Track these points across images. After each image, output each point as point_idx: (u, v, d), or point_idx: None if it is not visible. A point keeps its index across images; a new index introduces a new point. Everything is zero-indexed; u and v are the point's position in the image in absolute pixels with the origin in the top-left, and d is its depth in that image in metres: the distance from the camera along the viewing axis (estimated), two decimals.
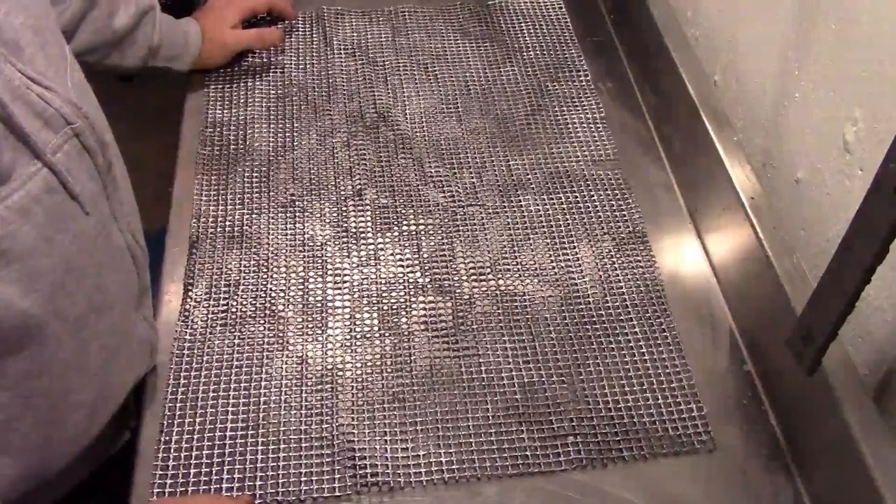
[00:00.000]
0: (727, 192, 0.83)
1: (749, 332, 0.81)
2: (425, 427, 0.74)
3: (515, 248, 0.87)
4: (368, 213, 0.90)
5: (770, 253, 0.76)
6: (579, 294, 0.84)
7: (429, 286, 0.84)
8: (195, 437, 0.73)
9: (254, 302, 0.82)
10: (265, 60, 1.05)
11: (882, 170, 0.51)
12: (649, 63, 1.03)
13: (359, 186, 0.93)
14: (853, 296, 0.55)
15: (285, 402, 0.75)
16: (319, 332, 0.81)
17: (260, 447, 0.73)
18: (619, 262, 0.86)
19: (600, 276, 0.85)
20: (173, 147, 0.97)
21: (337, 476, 0.71)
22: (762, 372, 0.79)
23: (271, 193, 0.91)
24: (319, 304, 0.82)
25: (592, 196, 0.92)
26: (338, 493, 0.70)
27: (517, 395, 0.76)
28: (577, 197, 0.92)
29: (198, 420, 0.74)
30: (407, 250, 0.87)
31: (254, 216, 0.89)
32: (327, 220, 0.89)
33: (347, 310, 0.82)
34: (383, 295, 0.83)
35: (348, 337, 0.80)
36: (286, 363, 0.78)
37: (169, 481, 0.70)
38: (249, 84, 1.03)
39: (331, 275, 0.85)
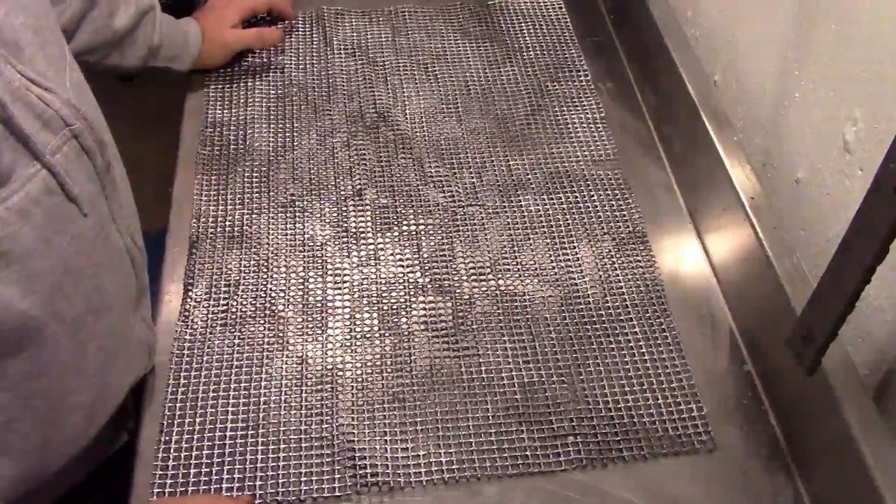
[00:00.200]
0: (727, 192, 0.83)
1: (749, 332, 0.81)
2: (425, 427, 0.74)
3: (515, 248, 0.87)
4: (368, 213, 0.90)
5: (770, 253, 0.76)
6: (579, 294, 0.84)
7: (429, 286, 0.84)
8: (195, 437, 0.73)
9: (254, 302, 0.82)
10: (265, 60, 1.05)
11: (882, 170, 0.51)
12: (649, 63, 1.03)
13: (359, 186, 0.93)
14: (853, 296, 0.55)
15: (285, 402, 0.75)
16: (319, 332, 0.81)
17: (260, 447, 0.73)
18: (619, 262, 0.86)
19: (600, 276, 0.85)
20: (173, 147, 0.97)
21: (337, 476, 0.71)
22: (762, 372, 0.79)
23: (271, 193, 0.91)
24: (319, 304, 0.82)
25: (592, 196, 0.92)
26: (338, 493, 0.70)
27: (517, 395, 0.76)
28: (577, 197, 0.92)
29: (198, 420, 0.74)
30: (407, 250, 0.87)
31: (254, 216, 0.89)
32: (327, 220, 0.89)
33: (347, 310, 0.82)
34: (383, 295, 0.83)
35: (348, 337, 0.80)
36: (286, 363, 0.78)
37: (169, 481, 0.70)
38: (249, 84, 1.03)
39: (331, 275, 0.85)
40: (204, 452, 0.72)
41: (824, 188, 0.77)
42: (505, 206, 0.91)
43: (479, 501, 0.70)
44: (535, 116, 1.00)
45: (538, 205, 0.91)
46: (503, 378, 0.77)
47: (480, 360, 0.79)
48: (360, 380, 0.77)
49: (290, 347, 0.79)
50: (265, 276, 0.84)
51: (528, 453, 0.73)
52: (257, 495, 0.70)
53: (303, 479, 0.71)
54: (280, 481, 0.71)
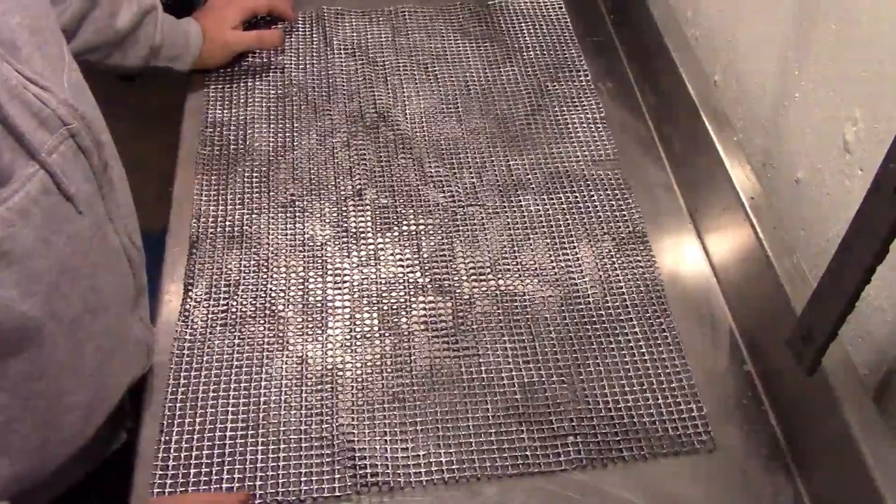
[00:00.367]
0: (727, 192, 0.83)
1: (749, 332, 0.81)
2: (425, 427, 0.74)
3: (515, 248, 0.87)
4: (368, 213, 0.90)
5: (770, 253, 0.76)
6: (579, 294, 0.84)
7: (429, 286, 0.84)
8: (195, 437, 0.73)
9: (254, 302, 0.82)
10: (265, 60, 1.05)
11: (882, 170, 0.51)
12: (649, 63, 1.03)
13: (359, 186, 0.93)
14: (853, 296, 0.55)
15: (285, 402, 0.75)
16: (319, 332, 0.81)
17: (260, 447, 0.73)
18: (619, 262, 0.86)
19: (600, 276, 0.85)
20: (173, 147, 0.97)
21: (337, 476, 0.71)
22: (762, 372, 0.79)
23: (271, 193, 0.91)
24: (319, 304, 0.82)
25: (592, 196, 0.92)
26: (338, 493, 0.70)
27: (517, 395, 0.76)
28: (577, 197, 0.92)
29: (198, 420, 0.74)
30: (407, 250, 0.87)
31: (254, 216, 0.89)
32: (327, 220, 0.89)
33: (347, 310, 0.82)
34: (383, 295, 0.83)
35: (348, 337, 0.80)
36: (286, 363, 0.78)
37: (169, 481, 0.70)
38: (249, 84, 1.03)
39: (331, 275, 0.85)
40: (204, 452, 0.72)
41: (824, 188, 0.77)
42: (505, 206, 0.91)
43: (479, 501, 0.70)
44: (535, 116, 1.00)
45: (538, 205, 0.91)
46: (503, 378, 0.77)
47: (480, 360, 0.79)
48: (360, 380, 0.77)
49: (290, 347, 0.79)
50: (265, 276, 0.84)
51: (528, 453, 0.73)
52: (257, 495, 0.70)
53: (303, 479, 0.71)
54: (280, 481, 0.71)
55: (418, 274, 0.85)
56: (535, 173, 0.94)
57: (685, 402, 0.76)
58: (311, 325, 0.81)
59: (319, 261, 0.86)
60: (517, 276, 0.85)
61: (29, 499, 0.65)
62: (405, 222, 0.90)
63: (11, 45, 0.55)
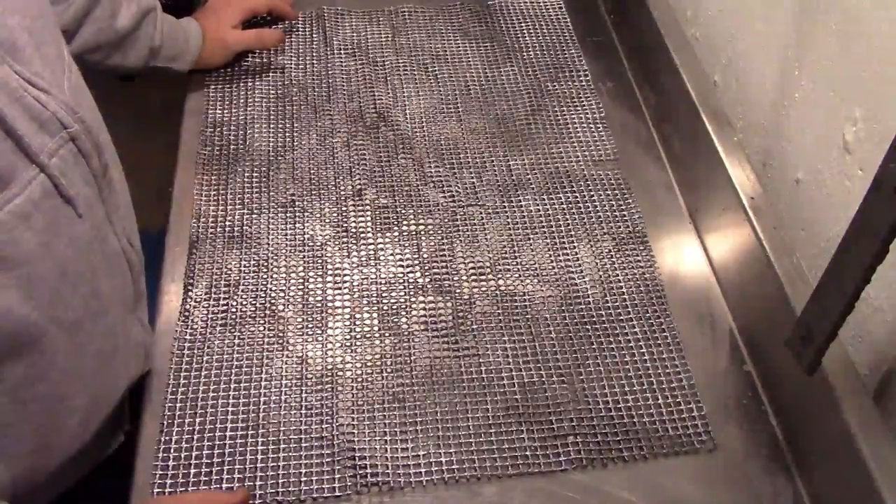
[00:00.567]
0: (727, 192, 0.83)
1: (749, 332, 0.81)
2: (425, 427, 0.74)
3: (515, 248, 0.87)
4: (368, 213, 0.90)
5: (770, 253, 0.76)
6: (579, 294, 0.84)
7: (429, 286, 0.84)
8: (195, 437, 0.73)
9: (254, 302, 0.82)
10: (265, 60, 1.05)
11: (882, 170, 0.51)
12: (649, 63, 1.03)
13: (359, 186, 0.93)
14: (853, 296, 0.55)
15: (285, 402, 0.75)
16: (319, 332, 0.81)
17: (260, 447, 0.73)
18: (619, 262, 0.86)
19: (600, 276, 0.85)
20: (173, 147, 0.97)
21: (337, 476, 0.71)
22: (762, 372, 0.79)
23: (271, 193, 0.91)
24: (319, 304, 0.82)
25: (592, 196, 0.92)
26: (338, 493, 0.70)
27: (517, 395, 0.76)
28: (577, 197, 0.92)
29: (197, 420, 0.74)
30: (407, 250, 0.87)
31: (254, 216, 0.89)
32: (327, 220, 0.89)
33: (347, 310, 0.82)
34: (383, 295, 0.83)
35: (348, 337, 0.80)
36: (286, 363, 0.78)
37: (169, 481, 0.70)
38: (249, 84, 1.03)
39: (331, 275, 0.85)
40: (204, 452, 0.72)
41: (824, 188, 0.77)
42: (505, 206, 0.91)
43: (479, 501, 0.70)
44: (535, 116, 1.00)
45: (538, 205, 0.91)
46: (503, 378, 0.77)
47: (480, 360, 0.79)
48: (360, 380, 0.77)
49: (290, 347, 0.79)
50: (265, 276, 0.84)
51: (528, 453, 0.73)
52: (257, 495, 0.70)
53: (303, 479, 0.71)
54: (280, 481, 0.71)
55: (418, 274, 0.85)
56: (535, 173, 0.94)
57: (685, 402, 0.76)
58: (311, 325, 0.81)
59: (319, 261, 0.86)
60: (517, 276, 0.85)
61: (28, 499, 0.65)
62: (405, 222, 0.90)
63: (11, 45, 0.55)
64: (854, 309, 0.56)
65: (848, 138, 0.72)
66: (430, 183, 0.93)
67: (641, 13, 1.03)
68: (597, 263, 0.86)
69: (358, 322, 0.81)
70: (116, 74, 0.97)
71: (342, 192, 0.92)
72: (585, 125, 1.00)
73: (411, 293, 0.84)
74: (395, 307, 0.82)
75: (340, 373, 0.78)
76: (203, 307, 0.82)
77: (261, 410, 0.75)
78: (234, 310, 0.81)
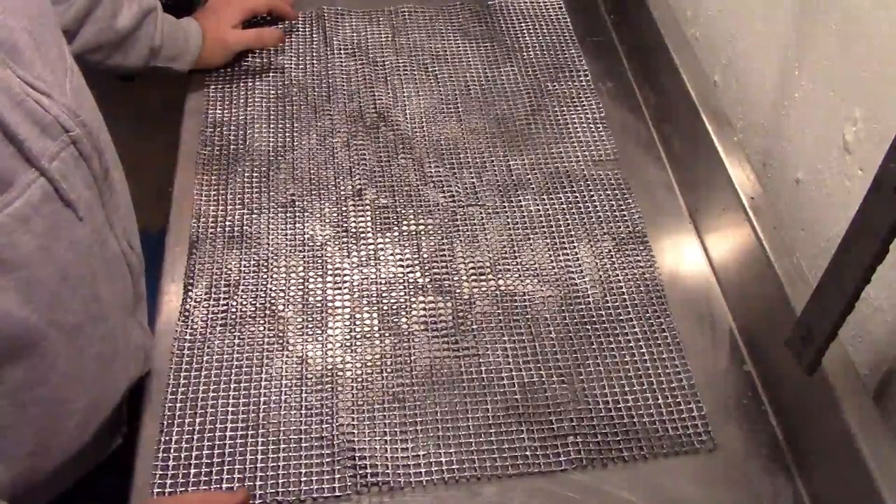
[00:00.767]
0: (727, 192, 0.83)
1: (749, 332, 0.81)
2: (425, 427, 0.74)
3: (515, 248, 0.87)
4: (368, 213, 0.90)
5: (770, 253, 0.76)
6: (579, 294, 0.84)
7: (429, 286, 0.84)
8: (195, 437, 0.73)
9: (254, 302, 0.82)
10: (265, 60, 1.05)
11: (882, 170, 0.51)
12: (649, 63, 1.03)
13: (359, 186, 0.93)
14: (853, 296, 0.55)
15: (285, 402, 0.75)
16: (319, 332, 0.81)
17: (260, 447, 0.73)
18: (619, 262, 0.86)
19: (600, 276, 0.85)
20: (173, 147, 0.97)
21: (337, 476, 0.71)
22: (762, 372, 0.79)
23: (271, 193, 0.91)
24: (319, 304, 0.82)
25: (592, 196, 0.92)
26: (338, 493, 0.70)
27: (517, 395, 0.76)
28: (577, 197, 0.92)
29: (197, 420, 0.74)
30: (407, 250, 0.87)
31: (254, 216, 0.89)
32: (327, 220, 0.89)
33: (347, 310, 0.82)
34: (383, 295, 0.83)
35: (348, 337, 0.80)
36: (286, 363, 0.78)
37: (169, 481, 0.70)
38: (249, 84, 1.03)
39: (331, 275, 0.85)
40: (204, 452, 0.72)
41: (824, 188, 0.77)
42: (505, 206, 0.91)
43: (479, 501, 0.70)
44: (535, 116, 1.00)
45: (538, 205, 0.91)
46: (503, 378, 0.77)
47: (480, 360, 0.79)
48: (360, 380, 0.77)
49: (290, 347, 0.79)
50: (265, 276, 0.84)
51: (528, 453, 0.73)
52: (257, 495, 0.70)
53: (303, 479, 0.71)
54: (280, 481, 0.71)
55: (418, 274, 0.85)
56: (535, 173, 0.94)
57: (685, 402, 0.76)
58: (311, 325, 0.81)
59: (319, 261, 0.86)
60: (517, 276, 0.85)
61: (27, 499, 0.65)
62: (405, 222, 0.90)
63: (13, 48, 0.55)
64: (854, 309, 0.56)
65: (848, 138, 0.72)
66: (430, 183, 0.93)
67: (641, 13, 1.03)
68: (597, 263, 0.86)
69: (358, 322, 0.81)
70: (117, 74, 0.97)
71: (342, 192, 0.92)
72: (585, 125, 1.00)
73: (411, 293, 0.84)
74: (395, 307, 0.82)
75: (340, 373, 0.78)
76: (203, 307, 0.82)
77: (261, 410, 0.75)
78: (234, 310, 0.81)
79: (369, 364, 0.78)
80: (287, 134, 0.97)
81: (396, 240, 0.88)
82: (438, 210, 0.91)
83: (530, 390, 0.77)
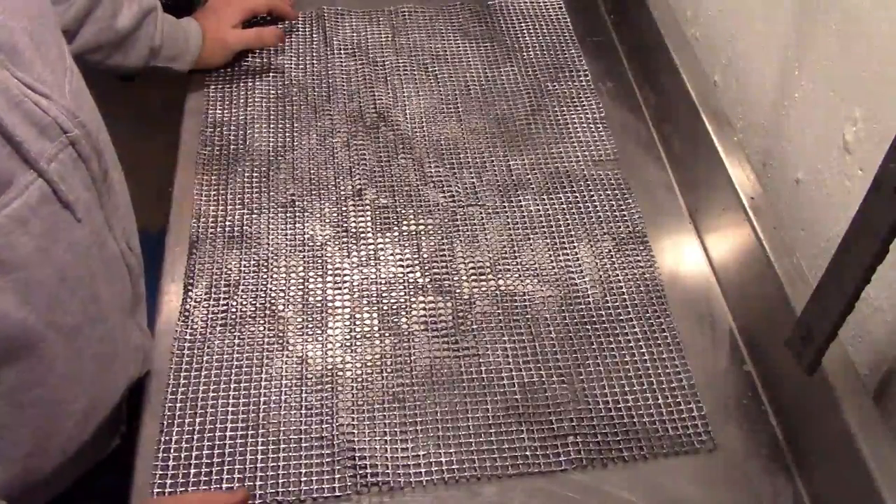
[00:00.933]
0: (727, 192, 0.83)
1: (749, 332, 0.81)
2: (425, 427, 0.74)
3: (515, 248, 0.87)
4: (368, 213, 0.90)
5: (770, 253, 0.76)
6: (579, 294, 0.84)
7: (429, 286, 0.84)
8: (195, 437, 0.73)
9: (254, 302, 0.82)
10: (265, 60, 1.05)
11: (882, 170, 0.51)
12: (649, 63, 1.03)
13: (359, 186, 0.93)
14: (853, 296, 0.55)
15: (285, 402, 0.75)
16: (319, 332, 0.81)
17: (260, 447, 0.73)
18: (619, 262, 0.86)
19: (600, 276, 0.85)
20: (173, 147, 0.97)
21: (337, 476, 0.71)
22: (762, 372, 0.79)
23: (271, 193, 0.91)
24: (319, 304, 0.82)
25: (592, 196, 0.92)
26: (338, 493, 0.70)
27: (517, 395, 0.76)
28: (577, 197, 0.92)
29: (197, 420, 0.74)
30: (407, 250, 0.87)
31: (254, 216, 0.89)
32: (327, 220, 0.89)
33: (347, 310, 0.82)
34: (383, 295, 0.83)
35: (348, 337, 0.80)
36: (286, 363, 0.78)
37: (169, 481, 0.70)
38: (249, 84, 1.03)
39: (331, 275, 0.85)
40: (204, 452, 0.72)
41: (824, 188, 0.77)
42: (505, 206, 0.91)
43: (479, 501, 0.70)
44: (535, 116, 1.00)
45: (538, 205, 0.91)
46: (503, 378, 0.77)
47: (480, 360, 0.79)
48: (360, 380, 0.77)
49: (290, 347, 0.79)
50: (265, 276, 0.84)
51: (528, 453, 0.73)
52: (257, 495, 0.70)
53: (303, 479, 0.71)
54: (280, 481, 0.71)
55: (418, 274, 0.85)
56: (535, 173, 0.94)
57: (685, 402, 0.76)
58: (311, 325, 0.81)
59: (319, 261, 0.86)
60: (517, 276, 0.85)
61: (25, 499, 0.65)
62: (405, 222, 0.90)
63: (12, 50, 0.55)
64: (854, 309, 0.56)
65: (848, 138, 0.72)
66: (430, 183, 0.93)
67: (641, 13, 1.03)
68: (597, 263, 0.86)
69: (358, 322, 0.81)
70: (116, 74, 0.97)
71: (342, 192, 0.92)
72: (585, 125, 1.00)
73: (411, 293, 0.84)
74: (395, 307, 0.82)
75: (340, 373, 0.78)
76: (203, 307, 0.82)
77: (261, 410, 0.75)
78: (234, 310, 0.81)
79: (369, 364, 0.78)
80: (287, 134, 0.97)
81: (396, 240, 0.88)
82: (438, 210, 0.91)
83: (530, 390, 0.77)
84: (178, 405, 0.75)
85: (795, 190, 0.82)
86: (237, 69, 1.04)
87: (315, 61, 1.06)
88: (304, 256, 0.86)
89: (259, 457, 0.72)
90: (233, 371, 0.77)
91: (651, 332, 0.81)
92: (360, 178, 0.93)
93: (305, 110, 1.00)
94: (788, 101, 0.82)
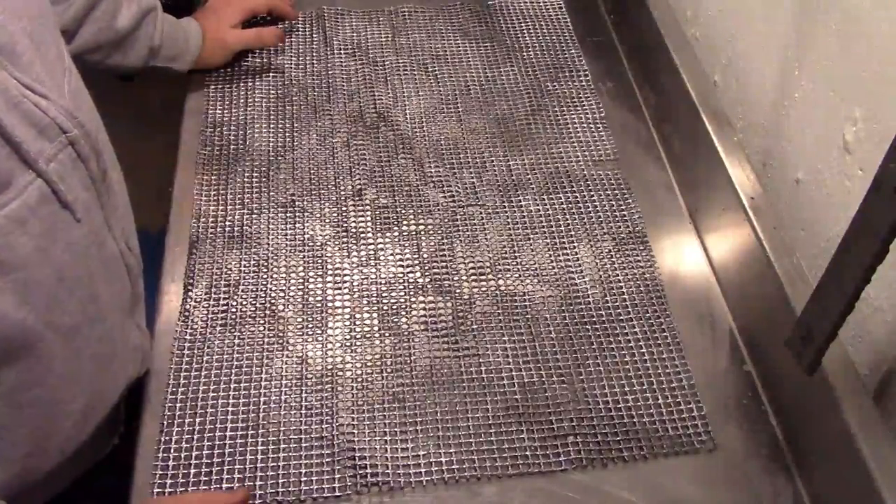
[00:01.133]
0: (727, 192, 0.83)
1: (749, 332, 0.81)
2: (425, 427, 0.74)
3: (515, 248, 0.87)
4: (368, 213, 0.90)
5: (770, 253, 0.76)
6: (579, 294, 0.84)
7: (429, 286, 0.84)
8: (195, 437, 0.73)
9: (254, 302, 0.82)
10: (265, 60, 1.05)
11: (882, 170, 0.51)
12: (649, 63, 1.03)
13: (359, 186, 0.93)
14: (853, 296, 0.55)
15: (285, 402, 0.75)
16: (319, 332, 0.80)
17: (260, 447, 0.73)
18: (619, 262, 0.86)
19: (600, 276, 0.85)
20: (173, 147, 0.97)
21: (337, 476, 0.71)
22: (762, 372, 0.79)
23: (271, 193, 0.91)
24: (319, 304, 0.82)
25: (592, 196, 0.92)
26: (338, 493, 0.70)
27: (517, 395, 0.76)
28: (577, 197, 0.92)
29: (197, 420, 0.74)
30: (407, 250, 0.87)
31: (254, 216, 0.89)
32: (327, 220, 0.89)
33: (347, 310, 0.82)
34: (383, 295, 0.83)
35: (348, 337, 0.80)
36: (286, 363, 0.78)
37: (169, 481, 0.70)
38: (249, 84, 1.03)
39: (331, 275, 0.85)
40: (204, 452, 0.72)
41: (824, 188, 0.77)
42: (505, 206, 0.91)
43: (479, 501, 0.70)
44: (535, 116, 1.00)
45: (538, 205, 0.91)
46: (503, 378, 0.77)
47: (480, 360, 0.79)
48: (360, 380, 0.77)
49: (290, 347, 0.79)
50: (265, 276, 0.84)
51: (528, 453, 0.73)
52: (257, 495, 0.70)
53: (303, 479, 0.71)
54: (280, 481, 0.71)
55: (418, 274, 0.85)
56: (535, 173, 0.94)
57: (685, 402, 0.76)
58: (311, 325, 0.81)
59: (319, 261, 0.86)
60: (517, 276, 0.85)
61: (24, 499, 0.65)
62: (405, 222, 0.90)
63: (11, 51, 0.55)
64: (854, 309, 0.56)
65: (848, 138, 0.72)
66: (430, 183, 0.93)
67: (641, 13, 1.03)
68: (597, 263, 0.86)
69: (358, 322, 0.81)
70: (116, 74, 0.97)
71: (342, 192, 0.92)
72: (585, 125, 1.00)
73: (411, 293, 0.84)
74: (395, 307, 0.82)
75: (340, 373, 0.78)
76: (203, 307, 0.82)
77: (261, 410, 0.75)
78: (234, 310, 0.81)
79: (369, 364, 0.78)
80: (287, 134, 0.97)
81: (396, 240, 0.88)
82: (438, 210, 0.91)
83: (530, 390, 0.77)
84: (177, 405, 0.75)
85: (795, 190, 0.82)
86: (237, 69, 1.04)
87: (315, 61, 1.06)
88: (304, 256, 0.86)
89: (259, 457, 0.72)
90: (233, 371, 0.77)
91: (651, 332, 0.81)
92: (360, 178, 0.93)
93: (305, 110, 1.00)
94: (788, 101, 0.82)
